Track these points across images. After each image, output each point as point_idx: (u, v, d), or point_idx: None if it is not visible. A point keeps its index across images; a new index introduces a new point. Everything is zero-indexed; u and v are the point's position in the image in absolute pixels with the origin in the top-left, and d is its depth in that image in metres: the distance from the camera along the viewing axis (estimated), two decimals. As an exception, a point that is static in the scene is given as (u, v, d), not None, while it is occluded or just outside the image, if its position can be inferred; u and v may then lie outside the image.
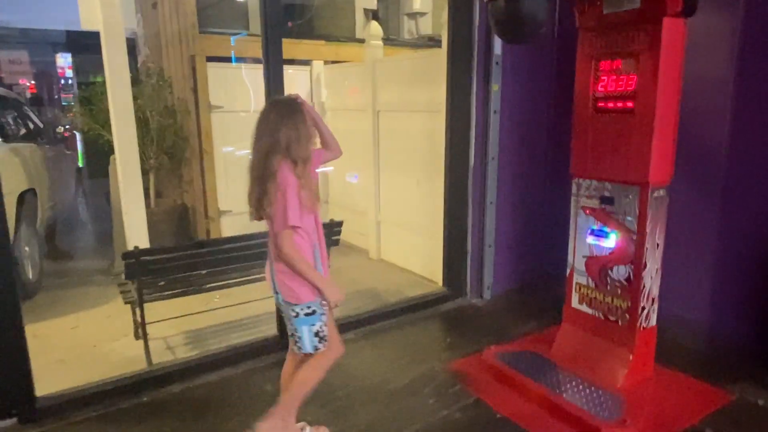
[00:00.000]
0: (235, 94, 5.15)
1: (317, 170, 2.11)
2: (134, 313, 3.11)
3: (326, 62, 5.58)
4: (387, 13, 6.54)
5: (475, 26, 3.48)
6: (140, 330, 3.06)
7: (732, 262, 2.93)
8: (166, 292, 3.03)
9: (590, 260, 2.74)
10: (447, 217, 3.79)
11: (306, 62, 5.55)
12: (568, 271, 2.86)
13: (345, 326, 3.29)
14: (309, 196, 1.92)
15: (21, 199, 4.13)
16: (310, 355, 2.04)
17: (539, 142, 3.94)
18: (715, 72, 2.87)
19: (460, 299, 3.82)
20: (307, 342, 2.00)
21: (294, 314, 1.99)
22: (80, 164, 8.87)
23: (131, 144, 4.29)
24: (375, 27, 4.70)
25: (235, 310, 3.51)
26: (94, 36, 4.30)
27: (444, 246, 3.85)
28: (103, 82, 4.46)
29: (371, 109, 4.72)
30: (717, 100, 2.88)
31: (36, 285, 4.29)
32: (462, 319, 3.57)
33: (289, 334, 2.07)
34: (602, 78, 2.58)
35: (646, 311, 2.59)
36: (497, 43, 3.50)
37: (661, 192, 2.51)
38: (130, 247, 4.57)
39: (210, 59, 5.05)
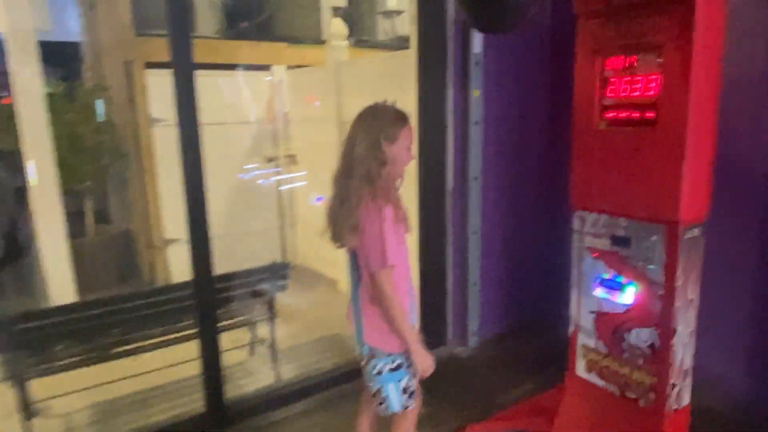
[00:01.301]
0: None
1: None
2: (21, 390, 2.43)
3: (289, 67, 4.93)
4: (359, 12, 5.91)
5: (449, 19, 2.85)
6: (27, 410, 2.38)
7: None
8: (58, 363, 2.36)
9: (600, 318, 2.10)
10: (421, 250, 3.14)
11: (265, 67, 4.90)
12: (572, 329, 2.22)
13: (299, 392, 2.64)
14: (405, 226, 1.67)
15: None
16: (395, 414, 1.80)
17: (533, 159, 3.30)
18: (756, 67, 2.24)
19: (440, 348, 3.16)
20: (395, 400, 1.76)
21: (376, 371, 1.74)
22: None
23: (47, 166, 3.64)
24: (337, 25, 4.06)
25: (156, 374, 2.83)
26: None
27: (420, 284, 3.20)
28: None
29: (336, 120, 4.07)
30: (754, 105, 2.25)
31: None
32: (442, 379, 2.89)
33: (371, 392, 1.82)
34: (611, 81, 1.95)
35: (677, 389, 1.94)
36: (477, 40, 2.87)
37: (695, 231, 1.87)
38: (53, 289, 3.92)
39: (152, 65, 4.38)
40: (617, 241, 2.00)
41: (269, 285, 2.71)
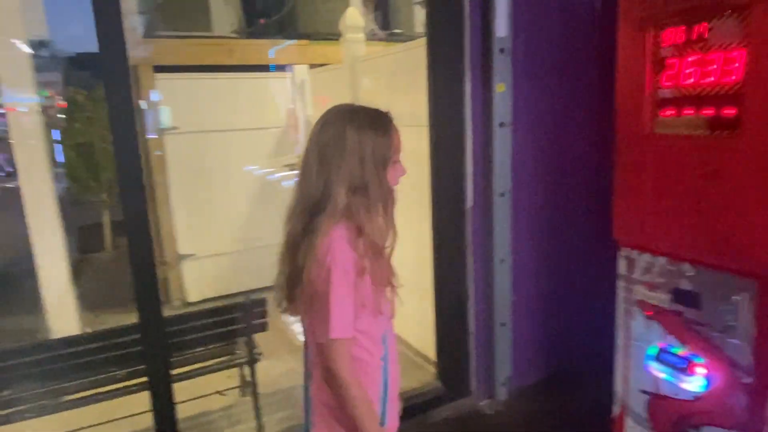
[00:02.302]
0: (195, 111, 4.16)
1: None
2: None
3: (312, 66, 4.49)
4: (396, 2, 5.39)
5: (466, -4, 2.28)
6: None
7: None
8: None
9: (656, 402, 1.48)
10: (437, 280, 2.59)
11: (287, 67, 4.49)
12: (616, 410, 1.60)
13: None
14: (379, 280, 1.19)
15: None
16: None
17: (577, 170, 2.67)
18: None
19: (461, 401, 2.60)
20: None
21: None
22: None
23: (42, 179, 3.41)
24: (352, 15, 3.57)
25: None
26: None
27: (436, 322, 2.65)
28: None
29: (352, 124, 3.58)
30: None
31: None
32: (458, 443, 2.35)
33: None
34: (669, 62, 1.33)
35: None
36: (502, 20, 2.28)
37: (806, 290, 1.21)
38: (50, 308, 3.68)
39: (161, 69, 4.08)
40: (681, 297, 1.37)
41: (242, 324, 2.26)
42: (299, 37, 4.57)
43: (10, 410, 2.06)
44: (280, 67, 4.53)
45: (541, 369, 2.72)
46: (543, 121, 2.53)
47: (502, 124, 2.39)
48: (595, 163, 2.63)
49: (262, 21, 4.48)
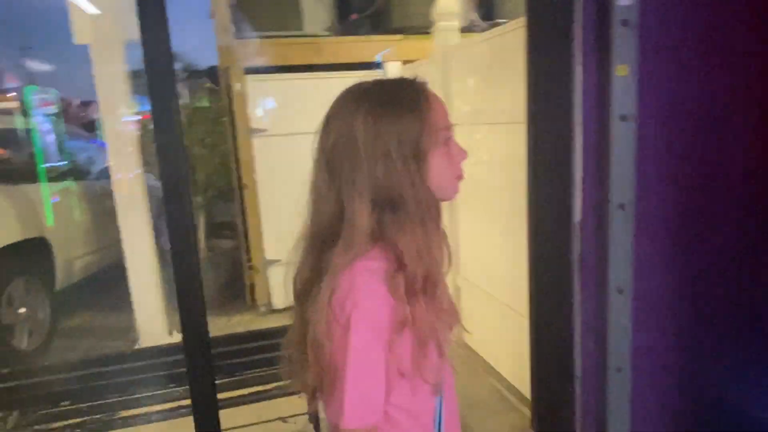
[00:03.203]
0: (284, 113, 4.03)
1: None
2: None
3: (405, 62, 4.18)
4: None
5: (576, -44, 1.81)
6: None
7: None
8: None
9: None
10: (534, 309, 2.13)
11: (379, 65, 4.22)
12: None
13: None
14: (429, 331, 0.83)
15: (18, 251, 3.50)
16: None
17: (730, 178, 2.06)
18: None
19: (561, 460, 2.11)
20: None
21: None
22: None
23: (133, 179, 3.43)
24: (445, 1, 3.17)
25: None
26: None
27: (532, 358, 2.18)
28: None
29: (443, 123, 3.19)
30: None
31: (33, 355, 3.60)
32: None
33: None
34: None
35: None
36: (625, -15, 1.78)
37: None
38: (138, 308, 3.70)
39: (252, 70, 4.00)
40: None
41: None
42: (392, 32, 4.28)
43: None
44: (375, 65, 4.27)
45: (670, 427, 2.14)
46: (680, 113, 1.96)
47: (623, 118, 1.87)
48: (756, 166, 2.00)
49: (353, 17, 4.25)
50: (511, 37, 2.37)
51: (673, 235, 2.06)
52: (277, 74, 3.98)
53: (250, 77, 3.95)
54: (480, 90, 2.83)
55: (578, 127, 1.89)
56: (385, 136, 0.81)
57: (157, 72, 1.60)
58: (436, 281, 0.85)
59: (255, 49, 3.94)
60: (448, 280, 3.49)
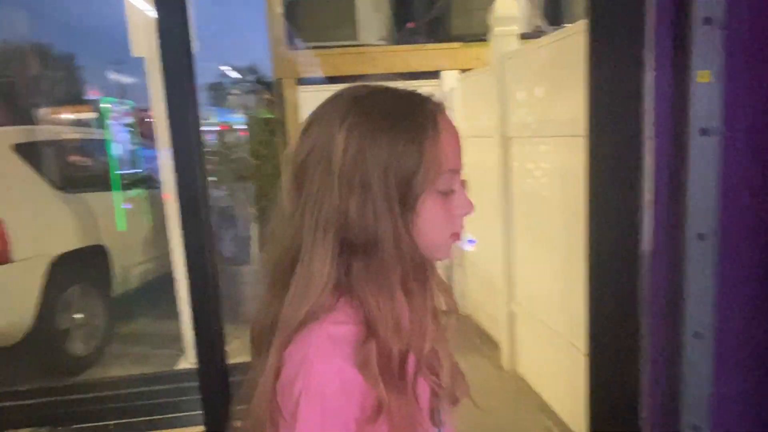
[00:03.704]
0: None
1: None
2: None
3: (462, 71, 3.98)
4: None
5: (648, -56, 1.56)
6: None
7: None
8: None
9: None
10: (593, 351, 1.86)
11: (435, 74, 4.04)
12: None
13: None
14: (411, 420, 0.66)
15: (76, 258, 3.59)
16: None
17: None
18: None
19: None
20: None
21: None
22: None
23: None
24: (504, 5, 2.95)
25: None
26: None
27: (589, 408, 1.90)
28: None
29: (498, 134, 2.97)
30: None
31: (87, 360, 3.68)
32: None
33: None
34: None
35: None
36: (709, -24, 1.52)
37: None
38: (185, 317, 3.68)
39: (305, 81, 3.94)
40: None
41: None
42: (450, 39, 4.09)
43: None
44: (433, 74, 4.10)
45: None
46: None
47: (704, 131, 1.59)
48: None
49: (410, 25, 4.11)
50: (572, 42, 2.12)
51: (765, 271, 1.73)
52: (328, 85, 3.91)
53: (301, 88, 3.89)
54: (538, 100, 2.59)
55: (649, 142, 1.63)
56: (370, 161, 0.63)
57: (174, 77, 1.51)
58: (419, 366, 0.66)
59: (308, 60, 3.88)
60: (502, 305, 3.20)
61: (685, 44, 1.55)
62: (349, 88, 0.72)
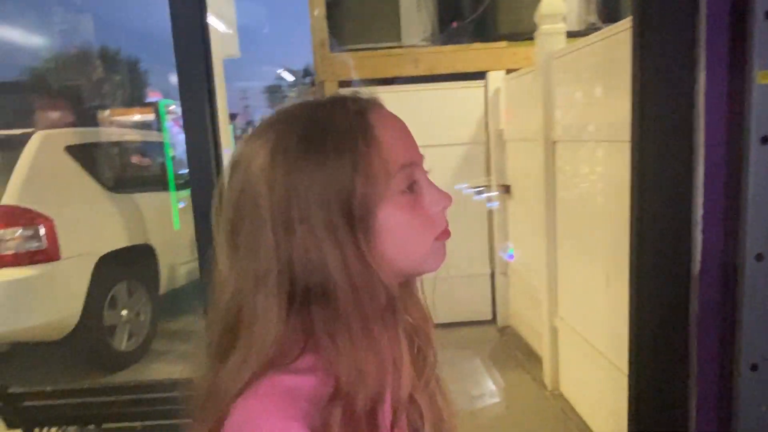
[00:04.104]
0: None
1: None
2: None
3: (508, 72, 3.82)
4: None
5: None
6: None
7: None
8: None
9: None
10: (636, 376, 1.69)
11: (480, 75, 3.90)
12: None
13: None
14: None
15: (123, 256, 3.71)
16: None
17: None
18: None
19: None
20: None
21: None
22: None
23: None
24: (550, 1, 2.78)
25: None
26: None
27: (631, 438, 1.74)
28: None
29: (542, 138, 2.81)
30: None
31: (131, 356, 3.79)
32: None
33: None
34: None
35: None
36: (775, -36, 1.34)
37: None
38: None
39: (346, 83, 3.90)
40: None
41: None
42: (497, 38, 3.94)
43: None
44: (478, 75, 3.96)
45: None
46: None
47: (765, 140, 1.40)
48: None
49: (454, 24, 3.98)
50: (620, 39, 1.95)
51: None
52: (371, 86, 3.86)
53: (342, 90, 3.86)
54: (584, 102, 2.42)
55: (700, 149, 1.46)
56: (302, 193, 0.54)
57: (188, 79, 1.48)
58: (396, 417, 0.57)
59: (350, 62, 3.84)
60: (544, 319, 3.01)
61: (743, 42, 1.37)
62: (266, 118, 0.63)
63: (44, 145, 3.49)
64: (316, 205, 0.54)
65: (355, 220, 0.55)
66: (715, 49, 1.41)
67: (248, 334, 0.55)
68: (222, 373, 0.56)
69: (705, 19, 1.40)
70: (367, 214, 0.55)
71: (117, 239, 3.74)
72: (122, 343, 3.73)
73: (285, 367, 0.54)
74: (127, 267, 3.83)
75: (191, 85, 1.52)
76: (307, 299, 0.55)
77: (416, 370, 0.66)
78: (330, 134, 0.56)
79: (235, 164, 0.60)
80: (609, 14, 4.19)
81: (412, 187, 0.60)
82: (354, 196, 0.55)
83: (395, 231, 0.58)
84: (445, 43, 4.01)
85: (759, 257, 1.44)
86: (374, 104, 0.61)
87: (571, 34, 3.20)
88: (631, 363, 1.72)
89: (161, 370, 3.80)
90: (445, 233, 0.64)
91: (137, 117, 7.85)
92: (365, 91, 0.63)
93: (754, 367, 1.50)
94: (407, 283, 0.69)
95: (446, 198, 0.63)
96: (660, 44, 1.51)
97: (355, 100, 0.60)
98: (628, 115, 1.66)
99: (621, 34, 2.03)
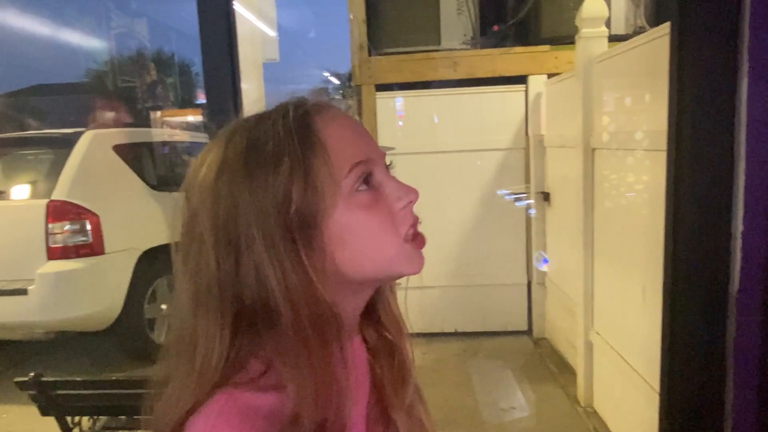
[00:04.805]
0: (413, 131, 3.87)
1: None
2: None
3: (550, 76, 3.72)
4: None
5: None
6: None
7: None
8: None
9: None
10: (667, 400, 1.60)
11: (521, 79, 3.82)
12: None
13: None
14: None
15: (164, 252, 3.83)
16: None
17: None
18: None
19: None
20: None
21: None
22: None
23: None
24: (593, 4, 2.68)
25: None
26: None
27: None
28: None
29: (582, 145, 2.71)
30: None
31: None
32: None
33: None
34: None
35: None
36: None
37: None
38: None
39: (384, 87, 3.90)
40: None
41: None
42: (539, 42, 3.84)
43: None
44: (519, 79, 3.88)
45: None
46: None
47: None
48: None
49: (495, 28, 3.91)
50: (662, 43, 1.86)
51: None
52: (408, 91, 3.83)
53: (380, 94, 3.85)
54: (624, 108, 2.32)
55: (741, 161, 1.36)
56: (242, 209, 0.53)
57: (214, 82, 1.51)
58: None
59: (388, 66, 3.83)
60: (580, 332, 2.92)
61: (792, 45, 1.27)
62: (213, 138, 0.61)
63: (93, 144, 3.65)
64: (256, 221, 0.52)
65: (295, 233, 0.52)
66: (758, 53, 1.31)
67: (191, 356, 0.54)
68: (168, 394, 0.55)
69: (748, 22, 1.31)
70: (309, 225, 0.53)
71: (159, 236, 3.87)
72: (161, 335, 3.85)
73: (245, 384, 0.52)
74: (168, 263, 3.94)
75: (216, 85, 1.54)
76: (254, 319, 0.54)
77: (393, 385, 0.64)
78: (268, 145, 0.54)
79: (185, 185, 0.59)
80: (659, 17, 4.02)
81: (370, 184, 0.57)
82: (292, 207, 0.52)
83: (354, 234, 0.55)
84: (485, 46, 3.94)
85: (804, 278, 1.33)
86: (320, 107, 0.59)
87: (618, 38, 3.08)
88: (663, 383, 1.63)
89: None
90: (418, 237, 0.60)
91: (190, 118, 8.10)
92: (313, 96, 0.61)
93: (797, 396, 1.39)
94: (381, 296, 0.67)
95: (411, 192, 0.59)
96: (700, 49, 1.42)
97: (299, 105, 0.58)
98: (663, 120, 1.58)
99: (662, 38, 1.94)
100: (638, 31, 3.70)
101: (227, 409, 0.50)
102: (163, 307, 3.92)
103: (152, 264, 3.74)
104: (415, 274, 0.60)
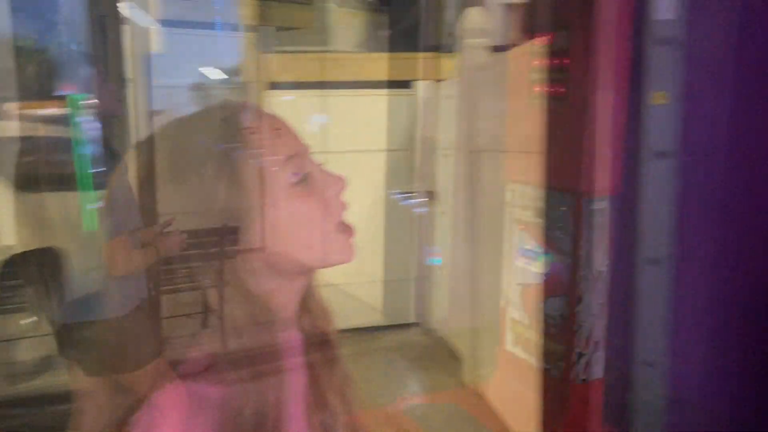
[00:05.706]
0: (302, 129, 3.85)
1: None
2: None
3: (438, 81, 3.92)
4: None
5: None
6: None
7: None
8: None
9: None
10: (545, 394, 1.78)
11: (407, 84, 3.98)
12: None
13: None
14: None
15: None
16: None
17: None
18: None
19: None
20: None
21: None
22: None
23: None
24: (473, 17, 2.89)
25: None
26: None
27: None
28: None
29: (464, 149, 2.92)
30: None
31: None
32: None
33: None
34: None
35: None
36: (665, -4, 1.48)
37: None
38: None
39: (274, 86, 3.85)
40: None
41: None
42: (427, 49, 4.03)
43: None
44: (406, 84, 4.04)
45: None
46: (740, 150, 1.60)
47: (660, 155, 1.53)
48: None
49: (385, 34, 4.04)
50: (522, 57, 2.08)
51: (727, 302, 1.67)
52: (297, 90, 3.83)
53: (271, 93, 3.80)
54: (498, 114, 2.54)
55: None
56: (174, 212, 0.54)
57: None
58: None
59: (277, 65, 3.79)
60: (465, 320, 3.08)
61: (640, 65, 1.49)
62: (143, 139, 0.61)
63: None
64: (189, 222, 0.53)
65: (226, 231, 0.54)
66: (614, 71, 1.51)
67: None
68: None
69: (602, 43, 1.51)
70: (241, 221, 0.55)
71: (21, 242, 3.48)
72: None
73: (198, 375, 0.53)
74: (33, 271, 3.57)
75: (102, 77, 1.45)
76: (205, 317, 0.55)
77: (327, 371, 0.67)
78: (194, 147, 0.55)
79: (111, 185, 0.58)
80: (533, 31, 4.40)
81: (300, 176, 0.61)
82: (221, 206, 0.54)
83: (289, 224, 0.58)
84: (373, 50, 4.06)
85: (654, 262, 1.56)
86: (246, 107, 0.62)
87: (502, 48, 3.33)
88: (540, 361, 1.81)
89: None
90: (347, 227, 0.64)
91: (53, 111, 7.32)
92: (238, 99, 0.63)
93: (648, 365, 1.62)
94: (310, 290, 0.70)
95: (339, 180, 0.64)
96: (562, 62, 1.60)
97: (224, 108, 0.60)
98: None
99: (529, 54, 2.15)
100: (516, 43, 4.03)
101: (175, 403, 0.50)
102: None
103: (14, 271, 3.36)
104: (346, 262, 0.64)
